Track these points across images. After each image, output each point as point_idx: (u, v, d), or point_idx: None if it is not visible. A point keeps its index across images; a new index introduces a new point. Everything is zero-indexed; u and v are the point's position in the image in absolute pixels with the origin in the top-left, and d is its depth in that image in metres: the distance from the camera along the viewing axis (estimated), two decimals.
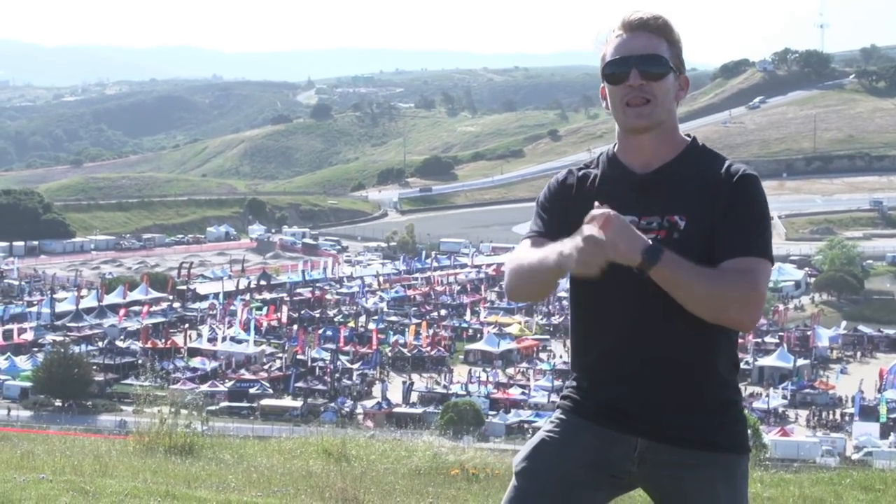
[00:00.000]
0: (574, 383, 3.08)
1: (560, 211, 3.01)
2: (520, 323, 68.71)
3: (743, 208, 2.87)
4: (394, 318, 69.89)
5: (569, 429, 3.04)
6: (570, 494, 2.98)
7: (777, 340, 61.73)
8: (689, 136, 3.02)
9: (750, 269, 2.81)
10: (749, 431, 3.22)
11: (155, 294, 73.06)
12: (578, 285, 3.01)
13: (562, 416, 3.07)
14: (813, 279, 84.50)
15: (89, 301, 69.47)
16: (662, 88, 2.91)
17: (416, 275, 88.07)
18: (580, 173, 3.06)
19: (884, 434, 44.61)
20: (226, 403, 49.12)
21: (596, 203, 2.80)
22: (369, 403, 50.05)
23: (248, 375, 54.33)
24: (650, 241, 2.75)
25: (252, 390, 51.67)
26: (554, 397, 50.65)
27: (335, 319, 69.36)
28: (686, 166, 2.94)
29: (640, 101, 2.90)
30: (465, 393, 51.47)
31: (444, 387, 53.48)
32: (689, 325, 2.86)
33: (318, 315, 70.81)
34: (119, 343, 59.69)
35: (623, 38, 2.93)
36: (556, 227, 2.96)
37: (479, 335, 65.09)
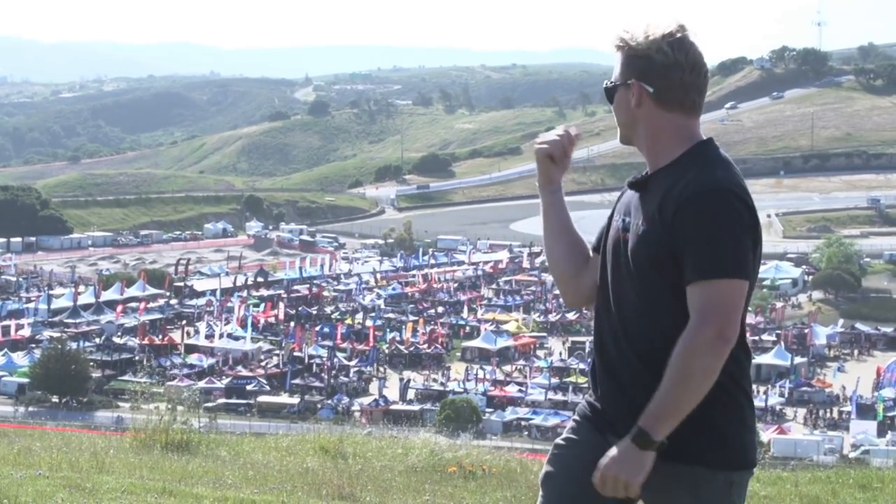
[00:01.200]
0: None
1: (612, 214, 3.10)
2: (517, 320, 68.68)
3: (690, 230, 2.78)
4: (391, 315, 69.77)
5: (576, 428, 3.07)
6: (585, 495, 2.95)
7: (774, 338, 61.75)
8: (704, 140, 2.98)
9: (700, 305, 2.74)
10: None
11: (152, 290, 72.96)
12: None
13: (576, 418, 3.11)
14: (810, 277, 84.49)
15: (86, 297, 69.43)
16: (615, 108, 3.04)
17: (414, 272, 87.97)
18: (633, 178, 3.06)
19: (881, 432, 44.63)
20: (223, 400, 49.13)
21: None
22: (366, 400, 50.04)
23: (244, 372, 54.29)
24: (629, 442, 2.76)
25: (249, 387, 51.69)
26: (551, 395, 50.81)
27: (332, 316, 69.35)
28: (667, 174, 2.91)
29: None
30: (462, 390, 51.51)
31: (442, 384, 53.46)
32: (666, 321, 2.82)
33: (315, 312, 70.78)
34: (116, 339, 59.59)
35: None
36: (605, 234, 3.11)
37: (476, 332, 64.99)
